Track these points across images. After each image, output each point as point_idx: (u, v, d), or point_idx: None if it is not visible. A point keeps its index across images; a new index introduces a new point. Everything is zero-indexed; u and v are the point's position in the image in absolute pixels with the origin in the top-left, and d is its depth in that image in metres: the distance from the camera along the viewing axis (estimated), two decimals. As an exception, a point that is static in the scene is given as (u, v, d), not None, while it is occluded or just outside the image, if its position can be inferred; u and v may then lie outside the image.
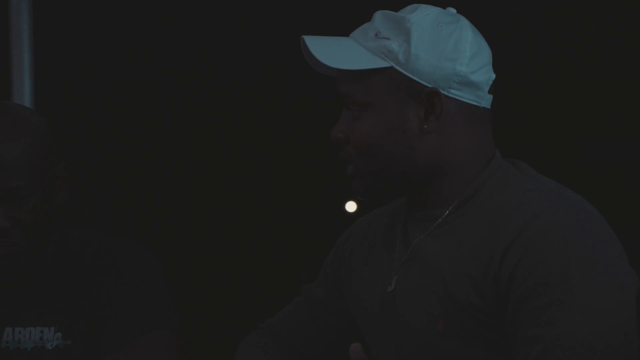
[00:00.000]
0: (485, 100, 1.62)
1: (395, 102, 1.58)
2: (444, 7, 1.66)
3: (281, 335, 1.83)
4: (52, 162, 1.83)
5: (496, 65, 1.66)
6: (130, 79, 5.27)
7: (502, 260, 1.47)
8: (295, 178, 6.56)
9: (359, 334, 1.74)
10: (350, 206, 7.08)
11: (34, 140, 1.79)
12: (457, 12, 1.65)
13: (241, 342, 1.84)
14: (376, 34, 1.60)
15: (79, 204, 1.92)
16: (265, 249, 6.74)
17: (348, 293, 1.75)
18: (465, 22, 1.63)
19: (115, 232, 1.99)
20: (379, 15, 1.62)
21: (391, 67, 1.58)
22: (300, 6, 4.16)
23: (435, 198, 1.61)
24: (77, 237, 1.90)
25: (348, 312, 1.77)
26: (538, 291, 1.43)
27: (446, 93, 1.58)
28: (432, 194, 1.61)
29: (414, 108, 1.58)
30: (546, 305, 1.43)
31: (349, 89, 1.61)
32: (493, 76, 1.62)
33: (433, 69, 1.57)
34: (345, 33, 1.66)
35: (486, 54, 1.63)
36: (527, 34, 4.61)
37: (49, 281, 1.85)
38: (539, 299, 1.43)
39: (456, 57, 1.58)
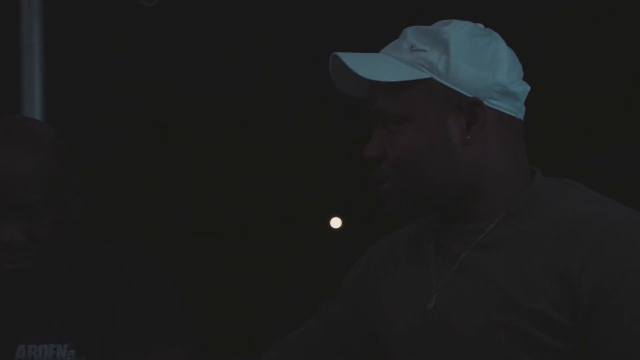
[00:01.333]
0: (521, 112, 1.62)
1: (435, 113, 1.56)
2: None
3: (298, 354, 1.80)
4: (67, 176, 1.82)
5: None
6: (141, 90, 5.28)
7: (580, 272, 1.47)
8: (280, 194, 6.51)
9: (376, 355, 1.73)
10: (335, 222, 7.02)
11: (49, 155, 1.79)
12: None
13: (257, 358, 1.82)
14: (411, 47, 1.58)
15: (89, 212, 1.92)
16: (249, 266, 6.70)
17: (375, 314, 1.72)
18: (498, 35, 1.63)
19: (120, 236, 1.98)
20: (411, 30, 1.61)
21: (430, 79, 1.56)
22: (301, 7, 4.16)
23: (476, 211, 1.59)
24: (91, 253, 1.89)
25: (368, 332, 1.74)
26: (618, 303, 1.45)
27: (487, 103, 1.57)
28: (473, 208, 1.59)
29: (455, 119, 1.56)
30: (629, 319, 1.45)
31: (385, 104, 1.58)
32: (528, 88, 1.63)
33: (473, 79, 1.56)
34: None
35: (519, 66, 1.63)
36: (525, 40, 4.61)
37: (63, 297, 1.84)
38: (620, 311, 1.45)
39: (495, 66, 1.58)
